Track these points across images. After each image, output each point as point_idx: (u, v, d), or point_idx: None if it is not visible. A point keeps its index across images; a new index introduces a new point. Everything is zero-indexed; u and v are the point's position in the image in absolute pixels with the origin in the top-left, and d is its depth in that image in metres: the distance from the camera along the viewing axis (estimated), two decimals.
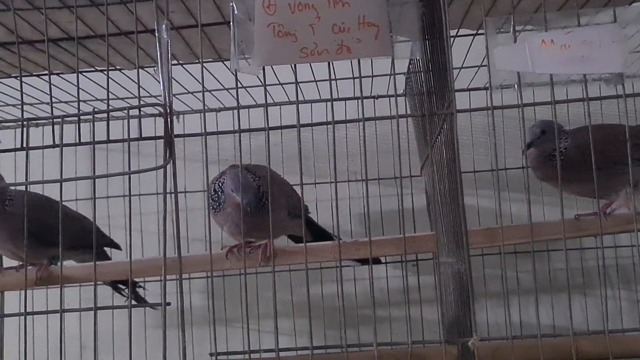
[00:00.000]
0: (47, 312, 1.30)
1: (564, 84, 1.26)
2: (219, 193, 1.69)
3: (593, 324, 2.20)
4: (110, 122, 2.03)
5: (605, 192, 1.51)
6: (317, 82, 2.00)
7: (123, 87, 1.90)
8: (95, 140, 1.24)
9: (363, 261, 1.91)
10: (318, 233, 1.95)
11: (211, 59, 1.83)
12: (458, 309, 1.44)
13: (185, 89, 1.99)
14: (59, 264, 1.93)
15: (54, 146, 1.23)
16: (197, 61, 1.73)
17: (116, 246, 2.00)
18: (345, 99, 1.98)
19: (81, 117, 1.25)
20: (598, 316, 2.20)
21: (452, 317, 1.57)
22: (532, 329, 2.11)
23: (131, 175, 1.25)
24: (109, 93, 1.36)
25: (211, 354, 1.23)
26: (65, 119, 1.23)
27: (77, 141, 1.26)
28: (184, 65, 1.84)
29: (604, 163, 1.63)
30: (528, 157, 1.79)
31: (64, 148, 1.25)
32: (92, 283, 2.14)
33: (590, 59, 1.17)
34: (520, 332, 2.15)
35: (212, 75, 1.86)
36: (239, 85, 1.86)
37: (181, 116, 2.31)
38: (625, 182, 1.71)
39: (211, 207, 1.70)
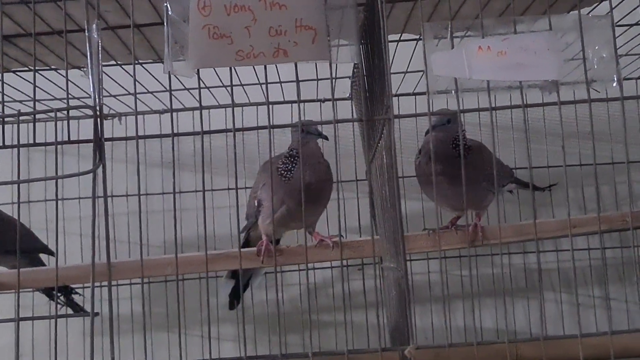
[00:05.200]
0: None
1: (503, 90, 1.25)
2: (291, 159, 1.70)
3: (535, 327, 2.22)
4: (51, 123, 1.99)
5: (468, 205, 1.49)
6: (262, 85, 1.97)
7: (60, 88, 1.85)
8: (22, 142, 1.19)
9: None
10: None
11: (151, 60, 1.79)
12: (399, 315, 1.43)
13: (125, 90, 1.94)
14: None
15: None
16: (135, 62, 1.69)
17: (50, 252, 1.93)
18: (285, 102, 1.97)
19: (6, 118, 1.19)
20: (540, 320, 2.22)
21: (395, 323, 1.57)
22: (477, 334, 2.14)
23: (73, 178, 1.21)
24: (40, 93, 1.32)
25: None
26: None
27: (2, 144, 1.20)
28: (122, 66, 1.79)
29: (476, 176, 1.67)
30: (425, 141, 1.76)
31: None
32: (26, 290, 2.10)
33: (526, 66, 1.17)
34: (465, 336, 2.16)
35: (153, 76, 1.82)
36: (182, 87, 1.84)
37: (123, 118, 2.26)
38: (484, 200, 1.79)
39: (282, 177, 1.69)
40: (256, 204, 1.78)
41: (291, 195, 1.68)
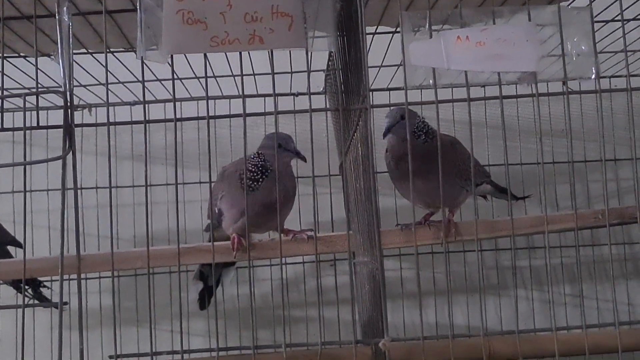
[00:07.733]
0: None
1: (481, 84, 1.25)
2: (262, 169, 1.65)
3: (506, 323, 2.23)
4: (19, 113, 1.94)
5: (442, 201, 1.48)
6: (235, 77, 1.94)
7: (29, 76, 1.80)
8: None
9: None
10: None
11: (122, 49, 1.75)
12: (373, 309, 1.42)
13: (96, 79, 1.90)
14: None
15: None
16: (107, 50, 1.66)
17: (18, 244, 1.89)
18: (259, 96, 1.94)
19: None
20: (511, 316, 2.23)
21: (367, 318, 1.55)
22: (447, 329, 2.13)
23: (42, 168, 1.18)
24: (7, 82, 1.27)
25: (110, 357, 1.17)
26: None
27: None
28: (93, 55, 1.75)
29: (449, 171, 1.66)
30: (388, 143, 1.77)
31: None
32: None
33: (504, 57, 1.17)
34: (436, 332, 2.16)
35: (124, 65, 1.78)
36: (154, 77, 1.81)
37: (93, 109, 2.21)
38: (458, 197, 1.78)
39: (248, 187, 1.63)
40: (217, 212, 1.75)
41: (253, 207, 1.63)
